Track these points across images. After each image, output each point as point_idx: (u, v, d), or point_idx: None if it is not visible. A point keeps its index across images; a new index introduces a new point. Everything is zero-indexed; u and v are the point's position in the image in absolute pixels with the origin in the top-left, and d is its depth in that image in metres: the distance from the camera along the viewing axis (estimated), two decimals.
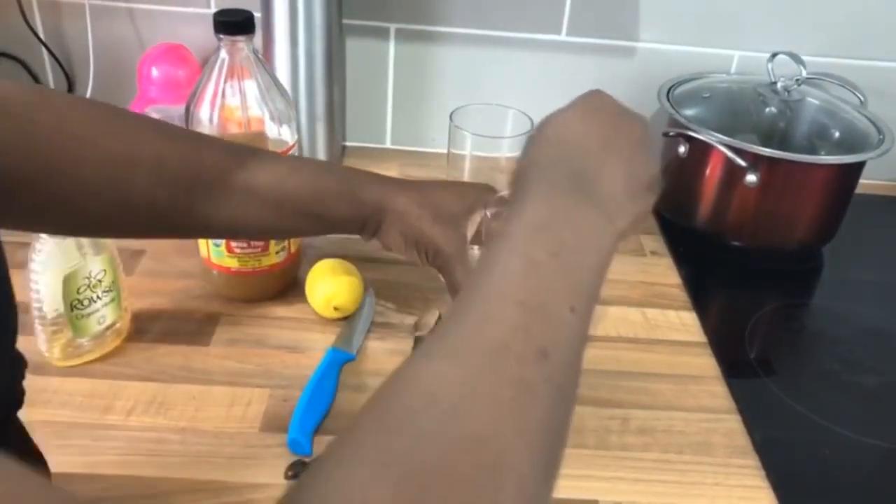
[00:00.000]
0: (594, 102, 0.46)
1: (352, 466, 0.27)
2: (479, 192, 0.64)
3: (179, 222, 0.54)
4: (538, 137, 0.44)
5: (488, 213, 0.61)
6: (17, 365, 0.31)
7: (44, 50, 0.94)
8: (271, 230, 0.61)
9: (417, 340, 0.68)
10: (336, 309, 0.68)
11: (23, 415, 0.38)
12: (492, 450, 0.28)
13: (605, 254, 0.38)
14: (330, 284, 0.69)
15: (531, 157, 0.42)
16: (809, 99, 0.89)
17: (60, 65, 0.95)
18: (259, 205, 0.55)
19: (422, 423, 0.28)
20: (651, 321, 0.74)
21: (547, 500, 0.32)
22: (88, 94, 0.93)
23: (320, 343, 0.67)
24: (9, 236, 0.74)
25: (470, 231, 0.62)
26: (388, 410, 0.29)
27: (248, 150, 0.57)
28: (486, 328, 0.32)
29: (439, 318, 0.71)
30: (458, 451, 0.28)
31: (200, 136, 0.58)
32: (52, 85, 0.97)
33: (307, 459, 0.55)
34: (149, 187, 0.50)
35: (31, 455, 0.35)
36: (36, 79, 0.96)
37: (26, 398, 0.58)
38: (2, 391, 0.30)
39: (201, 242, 0.70)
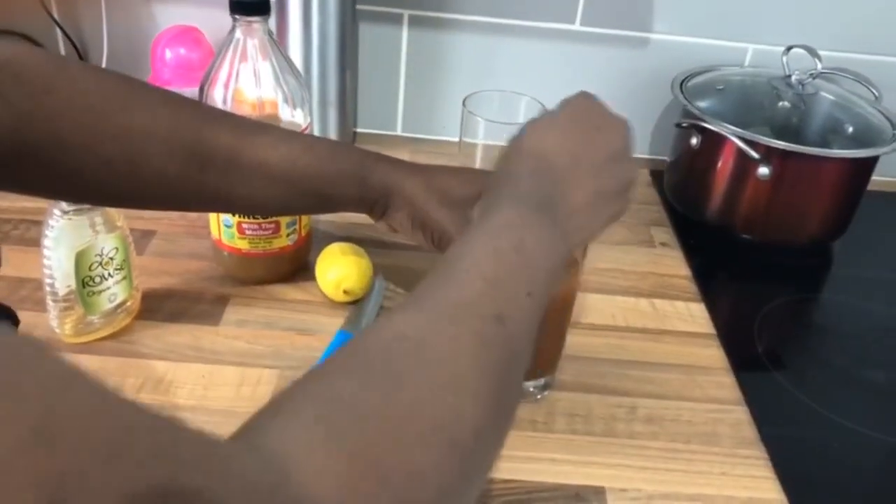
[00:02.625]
0: (577, 110, 0.49)
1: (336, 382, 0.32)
2: (487, 179, 0.64)
3: (191, 197, 0.54)
4: (516, 148, 0.48)
5: None
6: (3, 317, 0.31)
7: (58, 30, 0.94)
8: (280, 208, 0.62)
9: None
10: (346, 292, 0.68)
11: None
12: (451, 374, 0.33)
13: (554, 262, 0.42)
14: (340, 268, 0.69)
15: (507, 169, 0.46)
16: (823, 93, 0.89)
17: (74, 45, 0.95)
18: (270, 183, 0.55)
19: (393, 354, 0.33)
20: (660, 312, 0.74)
21: (496, 445, 0.36)
22: None
23: (329, 325, 0.67)
24: (21, 214, 0.75)
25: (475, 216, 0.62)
26: (364, 345, 0.34)
27: (262, 126, 0.57)
28: (453, 292, 0.37)
29: None
30: (422, 377, 0.32)
31: (215, 112, 0.58)
32: None
33: None
34: (162, 162, 0.50)
35: None
36: None
37: None
38: None
39: (212, 224, 0.70)
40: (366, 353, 0.34)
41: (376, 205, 0.60)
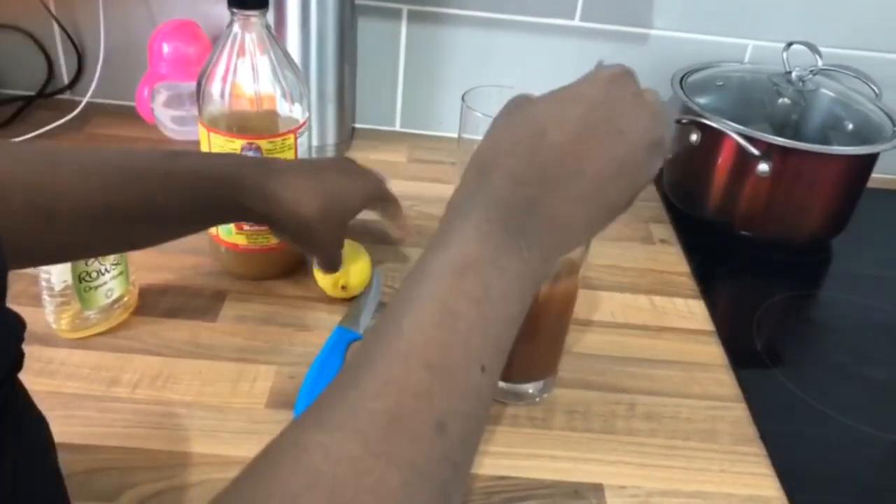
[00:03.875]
0: (603, 95, 0.40)
1: None
2: (373, 190, 0.66)
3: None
4: (511, 119, 0.39)
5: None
6: (18, 321, 0.30)
7: (55, 25, 0.94)
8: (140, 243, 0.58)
9: None
10: (344, 289, 0.68)
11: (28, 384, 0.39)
12: None
13: (525, 303, 0.36)
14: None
15: (488, 153, 0.38)
16: (824, 90, 0.89)
17: (71, 40, 0.95)
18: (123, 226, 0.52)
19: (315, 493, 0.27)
20: (659, 308, 0.74)
21: None
22: (98, 70, 0.93)
23: (328, 321, 0.67)
24: None
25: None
26: (269, 489, 0.28)
27: (110, 169, 0.51)
28: (384, 396, 0.30)
29: None
30: None
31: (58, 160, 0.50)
32: (62, 60, 0.97)
33: None
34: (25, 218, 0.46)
35: (31, 414, 0.35)
36: (46, 54, 0.96)
37: (34, 368, 0.58)
38: (12, 346, 0.30)
39: None
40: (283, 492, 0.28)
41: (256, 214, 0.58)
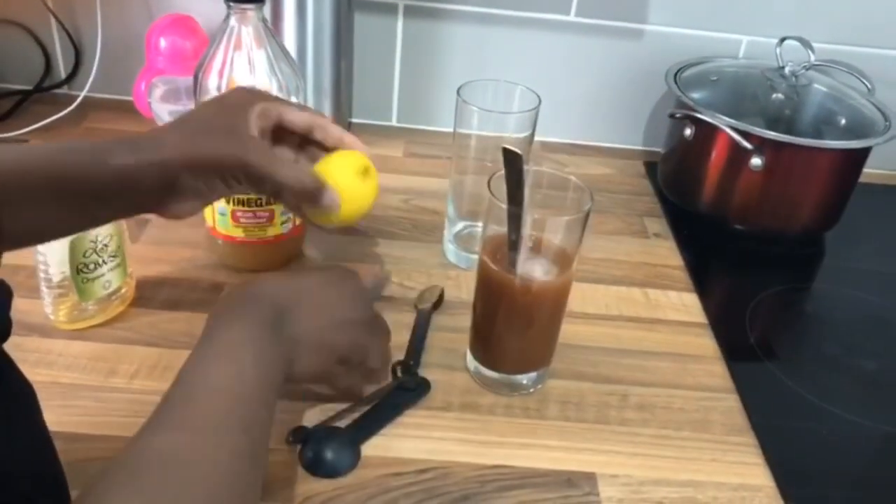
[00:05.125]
0: (329, 277, 0.55)
1: None
2: (249, 99, 0.56)
3: None
4: (250, 286, 0.50)
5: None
6: (6, 291, 0.32)
7: (52, 19, 0.94)
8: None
9: (420, 313, 0.68)
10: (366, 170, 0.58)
11: (27, 374, 0.39)
12: (212, 488, 0.37)
13: (280, 381, 0.47)
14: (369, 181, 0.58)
15: (240, 294, 0.50)
16: (817, 85, 0.89)
17: (69, 34, 0.95)
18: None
19: (166, 474, 0.36)
20: (653, 301, 0.75)
21: None
22: (96, 65, 0.93)
23: None
24: None
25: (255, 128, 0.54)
26: (138, 465, 0.36)
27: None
28: (207, 410, 0.40)
29: (442, 293, 0.71)
30: (191, 495, 0.36)
31: None
32: (60, 54, 0.97)
33: (309, 426, 0.56)
34: None
35: (19, 381, 0.37)
36: (44, 48, 0.96)
37: (32, 359, 0.59)
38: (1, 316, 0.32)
39: (207, 212, 0.70)
40: (138, 473, 0.36)
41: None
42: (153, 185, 0.49)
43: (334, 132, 0.58)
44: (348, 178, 0.56)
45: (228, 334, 0.45)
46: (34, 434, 0.39)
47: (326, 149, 0.59)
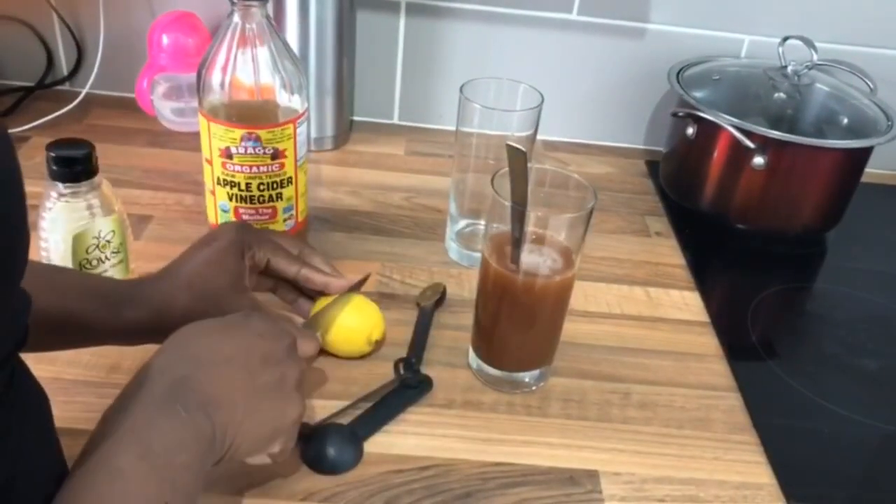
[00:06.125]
0: (244, 322, 0.49)
1: None
2: (239, 251, 0.59)
3: None
4: (171, 342, 0.46)
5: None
6: (27, 300, 0.32)
7: (54, 16, 0.94)
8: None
9: (422, 310, 0.68)
10: (377, 342, 0.63)
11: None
12: None
13: (198, 450, 0.41)
14: (362, 318, 0.62)
15: (150, 364, 0.44)
16: (819, 84, 0.89)
17: (71, 31, 0.95)
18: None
19: None
20: (654, 300, 0.75)
21: None
22: (98, 61, 0.93)
23: None
24: None
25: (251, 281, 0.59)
26: None
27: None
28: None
29: (444, 290, 0.71)
30: None
31: None
32: (62, 51, 0.97)
33: (311, 423, 0.56)
34: None
35: (33, 387, 0.37)
36: (46, 45, 0.96)
37: (34, 355, 0.59)
38: (20, 323, 0.32)
39: (209, 209, 0.70)
40: None
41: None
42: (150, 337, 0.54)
43: (319, 280, 0.62)
44: (336, 323, 0.60)
45: (124, 415, 0.40)
46: (45, 440, 0.39)
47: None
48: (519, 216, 0.55)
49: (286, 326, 0.52)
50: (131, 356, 0.60)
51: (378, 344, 0.63)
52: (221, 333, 0.47)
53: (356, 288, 0.63)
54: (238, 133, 0.64)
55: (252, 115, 0.66)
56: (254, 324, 0.49)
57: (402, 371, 0.61)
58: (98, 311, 0.52)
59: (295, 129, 0.66)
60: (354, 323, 0.61)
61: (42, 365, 0.59)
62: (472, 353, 0.64)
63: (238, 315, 0.50)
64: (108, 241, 0.61)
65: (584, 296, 0.74)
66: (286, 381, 0.48)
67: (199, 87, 0.65)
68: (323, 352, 0.62)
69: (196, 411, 0.42)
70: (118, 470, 0.37)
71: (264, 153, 0.66)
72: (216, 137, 0.65)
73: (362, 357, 0.63)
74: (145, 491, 0.37)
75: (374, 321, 0.62)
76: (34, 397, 0.37)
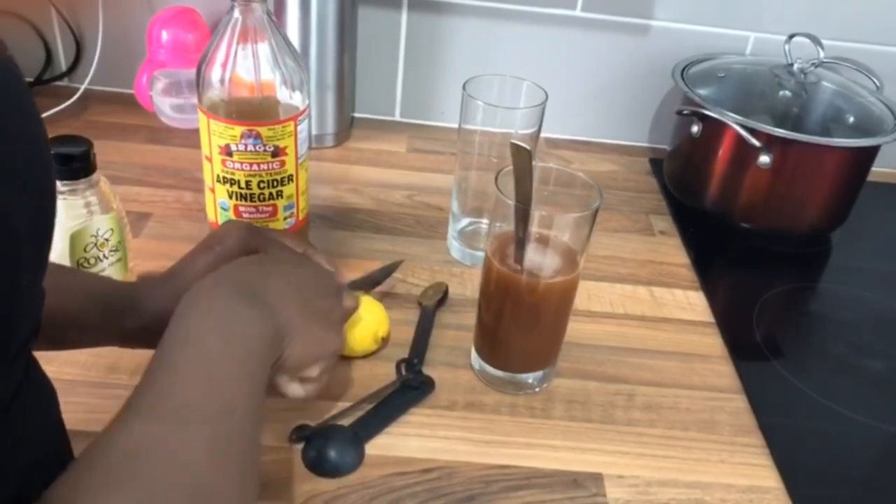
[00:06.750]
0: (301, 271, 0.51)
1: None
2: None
3: None
4: (221, 270, 0.47)
5: None
6: (42, 291, 0.32)
7: (53, 11, 0.93)
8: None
9: (424, 310, 0.67)
10: (384, 340, 0.63)
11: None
12: (194, 480, 0.34)
13: (267, 342, 0.43)
14: (365, 318, 0.61)
15: (203, 283, 0.44)
16: (825, 82, 0.88)
17: (69, 26, 0.94)
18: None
19: (136, 470, 0.33)
20: (658, 300, 0.74)
21: None
22: (97, 57, 0.92)
23: None
24: None
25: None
26: (107, 462, 0.33)
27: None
28: (179, 396, 0.37)
29: (446, 290, 0.70)
30: (168, 489, 0.33)
31: None
32: (60, 46, 0.96)
33: (311, 424, 0.55)
34: None
35: (43, 378, 0.38)
36: (45, 40, 0.95)
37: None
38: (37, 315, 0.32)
39: (209, 207, 0.69)
40: (107, 471, 0.33)
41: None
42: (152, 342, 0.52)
43: None
44: None
45: (189, 319, 0.41)
46: (55, 428, 0.39)
47: None
48: (523, 216, 0.54)
49: (336, 279, 0.54)
50: (130, 356, 0.59)
51: (384, 341, 0.63)
52: (281, 263, 0.51)
53: (367, 286, 0.64)
54: (238, 130, 0.63)
55: (252, 112, 0.65)
56: (310, 265, 0.52)
57: (403, 372, 0.61)
58: (100, 317, 0.52)
59: (296, 126, 0.66)
60: (361, 320, 0.61)
61: (40, 364, 0.58)
62: (474, 354, 0.63)
63: (294, 258, 0.53)
64: (107, 240, 0.60)
65: (587, 295, 0.73)
66: (333, 313, 0.51)
67: (199, 84, 0.64)
68: None
69: (264, 307, 0.43)
70: (182, 375, 0.38)
71: (265, 150, 0.65)
72: (216, 135, 0.64)
73: (367, 356, 0.62)
74: (209, 395, 0.38)
75: (380, 318, 0.62)
76: (44, 387, 0.37)
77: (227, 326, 0.41)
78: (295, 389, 0.49)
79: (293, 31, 0.85)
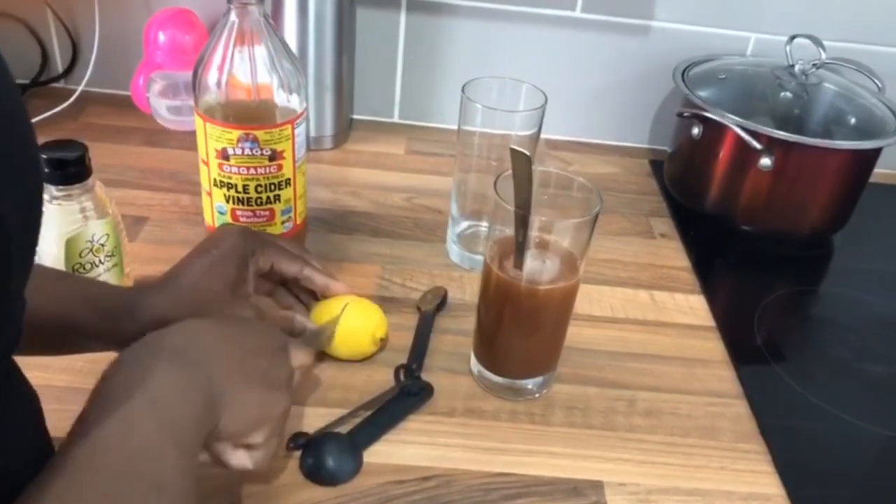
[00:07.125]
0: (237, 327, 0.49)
1: None
2: (241, 258, 0.58)
3: None
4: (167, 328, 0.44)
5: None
6: (23, 302, 0.31)
7: (49, 12, 0.92)
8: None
9: (422, 315, 0.67)
10: (381, 340, 0.62)
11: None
12: None
13: (198, 406, 0.40)
14: (365, 318, 0.62)
15: (145, 339, 0.43)
16: (826, 84, 0.88)
17: (66, 27, 0.93)
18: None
19: None
20: (659, 304, 0.73)
21: None
22: (93, 59, 0.91)
23: None
24: None
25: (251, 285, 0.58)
26: None
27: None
28: (98, 466, 0.34)
29: (445, 294, 0.70)
30: None
31: None
32: (57, 48, 0.95)
33: (309, 432, 0.55)
34: None
35: (25, 386, 0.37)
36: (41, 42, 0.95)
37: (26, 361, 0.57)
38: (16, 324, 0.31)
39: (206, 211, 0.69)
40: None
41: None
42: None
43: (320, 281, 0.62)
44: (339, 324, 0.58)
45: (117, 379, 0.39)
46: (38, 437, 0.39)
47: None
48: (522, 221, 0.54)
49: (281, 333, 0.52)
50: None
51: (383, 343, 0.62)
52: (216, 323, 0.48)
53: (316, 341, 0.60)
54: (235, 134, 0.63)
55: (249, 115, 0.64)
56: (249, 322, 0.50)
57: (402, 378, 0.60)
58: (97, 322, 0.51)
59: (293, 129, 0.65)
60: (358, 323, 0.61)
61: (34, 371, 0.57)
62: (473, 359, 0.62)
63: (233, 317, 0.51)
64: (102, 245, 0.60)
65: (587, 299, 0.72)
66: (276, 374, 0.47)
67: (195, 88, 0.64)
68: (327, 357, 0.61)
69: (196, 369, 0.41)
70: (128, 416, 0.36)
71: (262, 154, 0.64)
72: (213, 138, 0.64)
73: (366, 359, 0.62)
74: (151, 438, 0.36)
75: (378, 319, 0.62)
76: (26, 396, 0.37)
77: (155, 392, 0.38)
78: (240, 458, 0.45)
79: (291, 33, 0.84)
